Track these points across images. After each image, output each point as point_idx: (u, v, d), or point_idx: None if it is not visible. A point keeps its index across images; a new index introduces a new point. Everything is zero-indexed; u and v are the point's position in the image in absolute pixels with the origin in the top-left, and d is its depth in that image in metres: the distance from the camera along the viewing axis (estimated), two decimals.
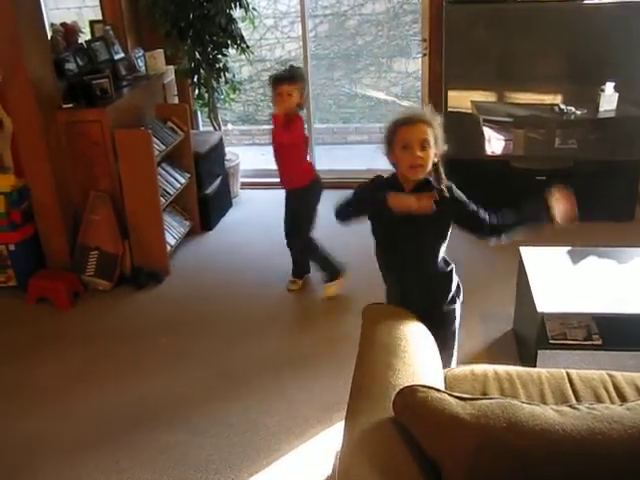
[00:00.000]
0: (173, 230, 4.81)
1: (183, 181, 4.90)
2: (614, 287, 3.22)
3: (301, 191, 4.04)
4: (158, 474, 2.89)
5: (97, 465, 2.95)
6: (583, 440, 1.65)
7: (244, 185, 5.90)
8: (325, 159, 6.08)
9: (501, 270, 4.27)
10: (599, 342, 3.15)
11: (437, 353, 2.36)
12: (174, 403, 3.32)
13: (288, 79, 3.74)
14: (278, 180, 4.11)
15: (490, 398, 1.84)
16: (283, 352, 3.67)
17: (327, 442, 2.98)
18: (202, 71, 5.39)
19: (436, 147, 2.47)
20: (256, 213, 5.50)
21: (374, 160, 6.15)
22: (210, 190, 5.24)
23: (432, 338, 2.39)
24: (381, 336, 2.23)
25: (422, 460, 1.74)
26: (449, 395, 1.82)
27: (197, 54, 5.31)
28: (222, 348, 3.74)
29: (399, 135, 2.43)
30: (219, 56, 5.39)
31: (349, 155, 6.55)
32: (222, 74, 5.48)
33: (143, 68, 5.11)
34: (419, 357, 2.18)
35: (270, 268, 4.59)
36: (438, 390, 1.84)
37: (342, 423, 2.01)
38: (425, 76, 5.57)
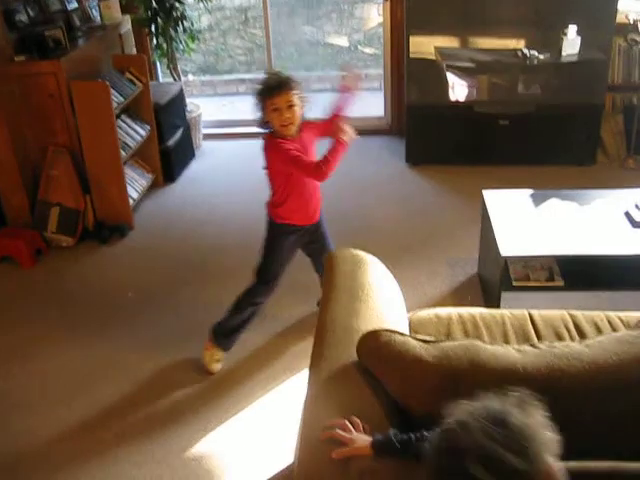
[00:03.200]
0: (135, 183, 4.74)
1: (143, 133, 4.81)
2: (576, 229, 3.26)
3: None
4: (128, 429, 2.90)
5: (67, 420, 2.95)
6: (543, 378, 1.68)
7: (206, 136, 5.82)
8: None
9: (466, 215, 4.29)
10: (561, 283, 3.20)
11: (401, 297, 2.37)
12: (144, 356, 3.31)
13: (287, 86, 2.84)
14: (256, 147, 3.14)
15: (453, 340, 1.86)
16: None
17: (295, 390, 3.01)
18: (159, 20, 5.26)
19: None
20: (219, 164, 5.44)
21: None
22: (172, 142, 5.16)
23: (395, 282, 2.40)
24: (344, 281, 2.23)
25: (386, 402, 1.76)
26: (412, 338, 1.84)
27: (153, 2, 5.17)
28: (189, 299, 3.73)
29: None
30: (176, 4, 5.25)
31: (312, 103, 6.47)
32: (180, 23, 5.35)
33: (98, 18, 4.96)
34: (383, 301, 2.19)
35: (234, 219, 4.57)
36: (401, 334, 1.86)
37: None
38: (387, 22, 5.49)
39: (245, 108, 6.11)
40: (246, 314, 3.16)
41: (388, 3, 5.39)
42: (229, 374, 3.17)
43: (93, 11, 4.94)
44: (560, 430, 1.64)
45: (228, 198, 4.87)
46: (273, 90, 2.80)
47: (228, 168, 5.35)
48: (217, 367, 3.20)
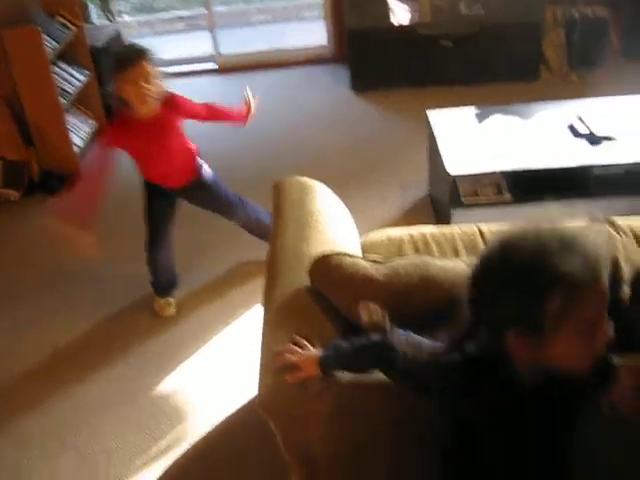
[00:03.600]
0: (79, 131, 4.64)
1: (82, 79, 4.69)
2: (521, 143, 3.30)
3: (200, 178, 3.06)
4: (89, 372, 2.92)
5: (27, 367, 2.96)
6: None
7: None
8: (228, 43, 5.87)
9: (414, 138, 4.29)
10: (509, 198, 3.25)
11: (352, 221, 2.39)
12: (98, 303, 3.31)
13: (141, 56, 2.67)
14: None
15: (403, 258, 1.89)
16: (203, 240, 3.67)
17: (254, 322, 3.04)
18: None
19: None
20: None
21: (279, 40, 6.02)
22: (112, 86, 5.03)
23: (345, 207, 2.42)
24: (292, 210, 2.24)
25: (340, 323, 1.79)
26: (362, 259, 1.86)
27: None
28: (142, 242, 3.70)
29: None
30: None
31: (253, 36, 6.36)
32: None
33: None
34: (333, 226, 2.21)
35: None
36: (351, 255, 1.88)
37: None
38: None
39: (186, 46, 6.04)
40: (165, 271, 3.15)
41: None
42: (187, 312, 3.20)
43: None
44: None
45: None
46: (128, 62, 2.63)
47: None
48: (170, 311, 3.20)
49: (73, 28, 4.64)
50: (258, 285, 2.72)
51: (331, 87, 5.29)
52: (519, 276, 1.21)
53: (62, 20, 4.59)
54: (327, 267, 1.83)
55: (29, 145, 4.30)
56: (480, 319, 1.30)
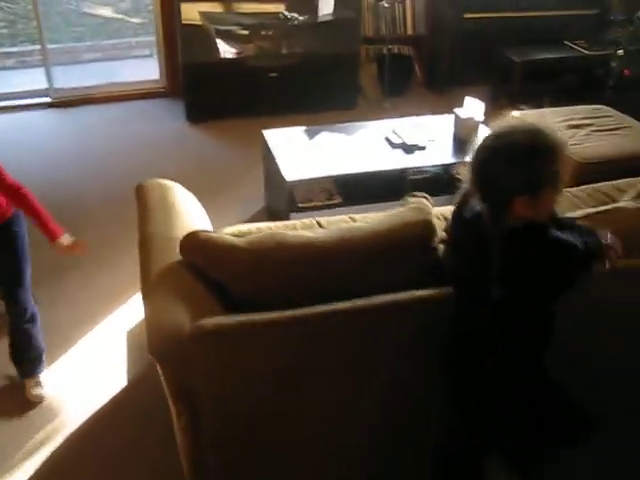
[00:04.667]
0: None
1: None
2: (347, 154, 3.80)
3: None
4: None
5: None
6: (334, 244, 2.10)
7: None
8: (62, 79, 5.97)
9: (249, 160, 4.64)
10: (339, 200, 3.72)
11: (206, 216, 2.71)
12: None
13: None
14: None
15: (260, 232, 2.24)
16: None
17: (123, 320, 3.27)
18: None
19: None
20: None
21: (112, 77, 6.19)
22: None
23: (199, 204, 2.74)
24: (156, 202, 2.53)
25: (212, 287, 2.09)
26: (226, 234, 2.19)
27: None
28: None
29: None
30: None
31: (86, 74, 6.47)
32: None
33: None
34: (193, 215, 2.53)
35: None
36: (215, 232, 2.20)
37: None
38: None
39: (17, 82, 6.05)
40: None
41: None
42: (57, 316, 3.30)
43: None
44: (357, 285, 2.07)
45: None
46: None
47: (3, 142, 5.22)
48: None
49: None
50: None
51: (166, 120, 5.52)
52: (528, 153, 1.66)
53: None
54: (196, 240, 2.13)
55: None
56: (495, 194, 1.72)
